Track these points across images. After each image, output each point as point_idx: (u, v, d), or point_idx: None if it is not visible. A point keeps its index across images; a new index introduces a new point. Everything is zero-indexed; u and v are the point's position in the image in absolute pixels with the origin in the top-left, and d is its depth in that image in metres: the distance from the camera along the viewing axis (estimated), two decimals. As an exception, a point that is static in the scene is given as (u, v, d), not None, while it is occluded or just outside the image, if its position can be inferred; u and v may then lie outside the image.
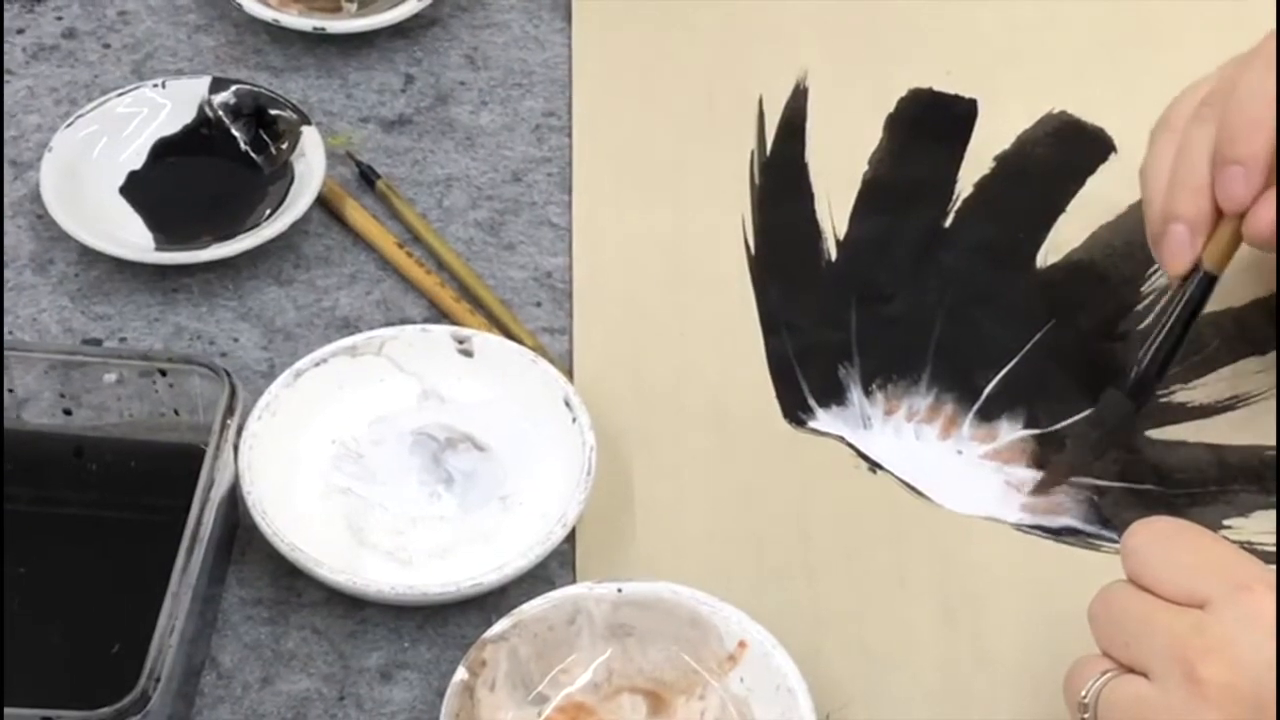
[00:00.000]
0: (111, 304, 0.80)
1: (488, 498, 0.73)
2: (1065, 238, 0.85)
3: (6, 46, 0.91)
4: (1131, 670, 0.59)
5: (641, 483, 0.74)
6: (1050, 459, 0.76)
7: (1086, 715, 0.60)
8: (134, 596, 0.65)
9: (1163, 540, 0.60)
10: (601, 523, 0.73)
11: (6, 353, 0.70)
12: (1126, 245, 0.84)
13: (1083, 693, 0.60)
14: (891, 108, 0.90)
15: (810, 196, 0.86)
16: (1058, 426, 0.77)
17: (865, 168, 0.88)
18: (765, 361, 0.79)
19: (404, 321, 0.79)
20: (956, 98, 0.91)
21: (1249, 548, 0.73)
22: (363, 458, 0.74)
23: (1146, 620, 0.59)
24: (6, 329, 0.78)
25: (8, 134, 0.87)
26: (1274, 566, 0.59)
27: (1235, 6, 0.93)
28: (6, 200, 0.84)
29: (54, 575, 0.68)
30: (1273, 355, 0.80)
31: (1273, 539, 0.74)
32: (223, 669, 0.68)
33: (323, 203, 0.84)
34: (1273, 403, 0.79)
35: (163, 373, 0.70)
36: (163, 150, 0.85)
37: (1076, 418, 0.78)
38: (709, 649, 0.67)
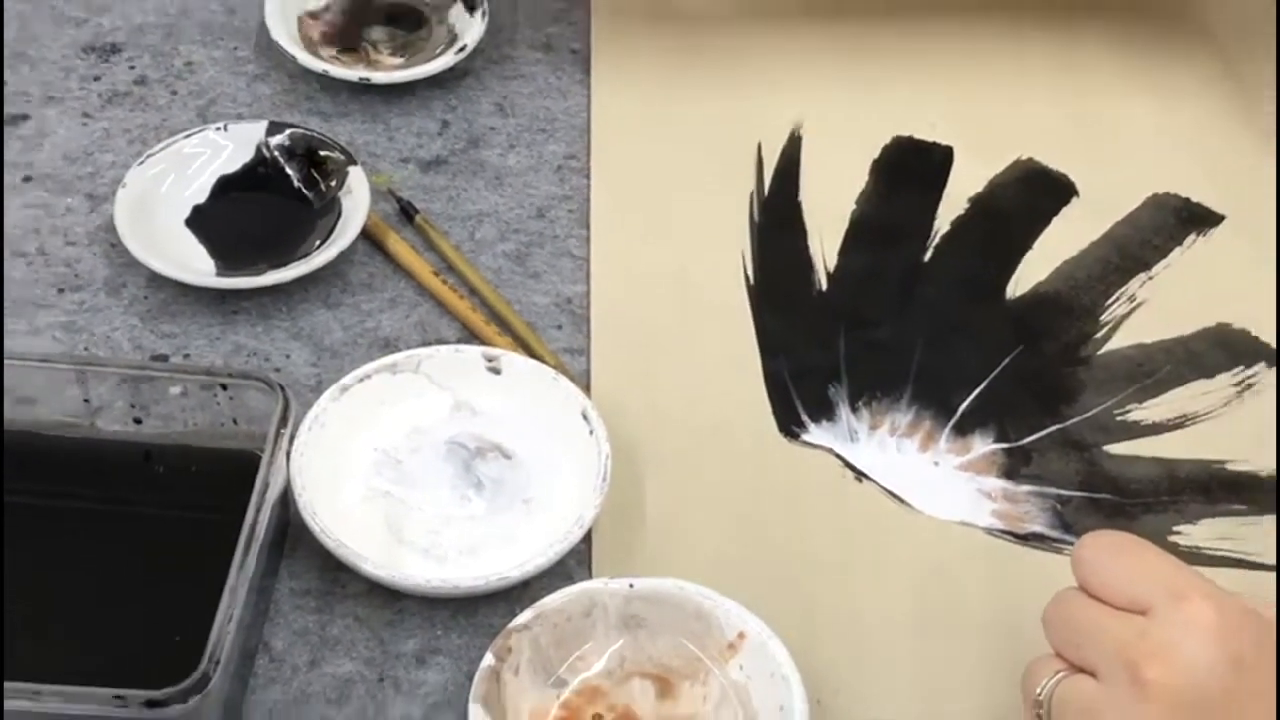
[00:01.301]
0: (177, 324, 0.80)
1: (513, 501, 0.73)
2: (1032, 272, 0.85)
3: (84, 93, 0.91)
4: (1082, 670, 0.59)
5: (652, 488, 0.74)
6: (1019, 470, 0.76)
7: (1041, 711, 0.60)
8: (196, 587, 0.65)
9: (1110, 552, 0.60)
10: (615, 524, 0.73)
11: (84, 367, 0.70)
12: (1087, 278, 0.85)
13: (1038, 691, 0.60)
14: (877, 154, 0.91)
15: (804, 233, 0.86)
16: (1025, 441, 0.78)
17: (853, 207, 0.88)
18: (763, 381, 0.79)
19: (439, 342, 0.79)
20: (934, 145, 0.91)
21: (1197, 552, 0.74)
22: (401, 464, 0.74)
23: (1095, 625, 0.58)
24: (85, 346, 0.78)
25: (85, 171, 0.87)
26: (1209, 577, 0.58)
27: (1170, 75, 0.94)
28: (84, 230, 0.84)
29: (124, 568, 0.68)
30: (1219, 378, 0.80)
31: (1219, 545, 0.74)
32: (274, 653, 0.68)
33: (367, 235, 0.84)
34: (1217, 422, 0.79)
35: (223, 386, 0.70)
36: (224, 186, 0.85)
37: (1042, 433, 0.78)
38: (711, 639, 0.67)
